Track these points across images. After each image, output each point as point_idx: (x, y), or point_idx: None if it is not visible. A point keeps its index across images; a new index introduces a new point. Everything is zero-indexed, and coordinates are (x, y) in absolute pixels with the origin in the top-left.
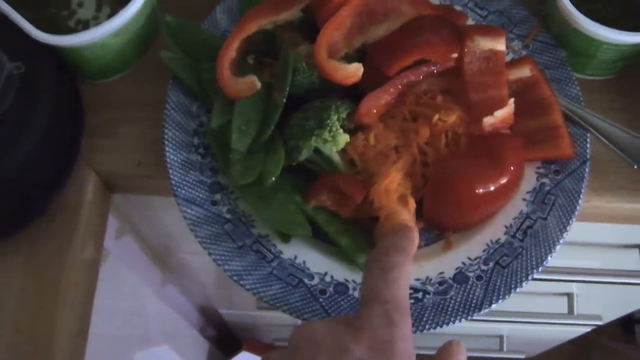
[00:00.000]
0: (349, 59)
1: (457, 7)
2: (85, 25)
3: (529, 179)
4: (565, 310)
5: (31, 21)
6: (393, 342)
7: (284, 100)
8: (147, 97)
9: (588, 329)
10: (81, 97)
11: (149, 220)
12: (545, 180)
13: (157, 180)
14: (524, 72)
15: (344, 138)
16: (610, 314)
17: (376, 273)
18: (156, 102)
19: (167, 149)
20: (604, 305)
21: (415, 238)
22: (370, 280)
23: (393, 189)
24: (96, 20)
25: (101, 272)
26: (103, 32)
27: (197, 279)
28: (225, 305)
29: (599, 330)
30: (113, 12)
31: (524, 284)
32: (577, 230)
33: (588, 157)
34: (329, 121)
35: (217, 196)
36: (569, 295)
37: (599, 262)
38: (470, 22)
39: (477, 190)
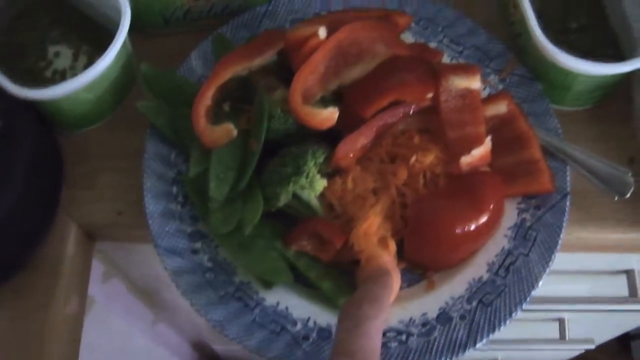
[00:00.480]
0: (324, 101)
1: (432, 44)
2: (62, 76)
3: (510, 215)
4: (557, 335)
5: (8, 73)
6: None
7: (261, 147)
8: (126, 146)
9: (581, 351)
10: (60, 148)
11: (135, 262)
12: (526, 215)
13: (138, 229)
14: (501, 108)
15: (321, 183)
16: (603, 336)
17: (345, 326)
18: (135, 151)
19: (146, 199)
20: (596, 328)
21: (396, 282)
22: (340, 333)
23: (372, 232)
24: (73, 70)
25: (87, 319)
26: (77, 85)
27: (188, 317)
28: (218, 340)
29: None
30: (90, 61)
31: (507, 322)
32: (564, 258)
33: (568, 190)
34: (305, 167)
35: (198, 244)
36: (560, 321)
37: (587, 288)
38: (445, 58)
39: (457, 231)
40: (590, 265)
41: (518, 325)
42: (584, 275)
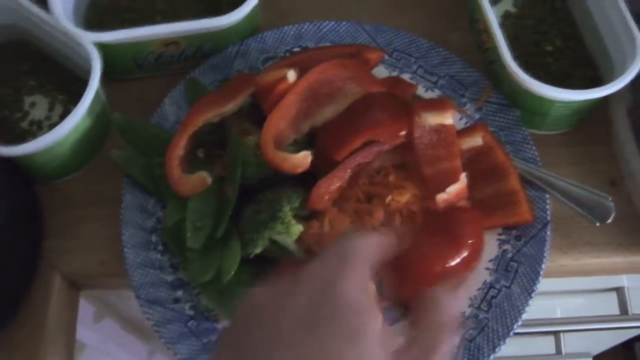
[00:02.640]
0: (298, 143)
1: (407, 75)
2: (39, 126)
3: (491, 247)
4: (552, 350)
5: None
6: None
7: (236, 194)
8: (105, 194)
9: None
10: (39, 199)
11: (126, 299)
12: (507, 246)
13: (121, 277)
14: (477, 140)
15: (297, 228)
16: (599, 347)
17: None
18: (114, 198)
19: (125, 250)
20: (592, 342)
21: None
22: None
23: None
24: (49, 120)
25: None
26: (51, 140)
27: None
28: None
29: None
30: (66, 110)
31: (491, 357)
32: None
33: (548, 219)
34: (281, 213)
35: (179, 293)
36: (556, 335)
37: (578, 305)
38: (420, 89)
39: (436, 268)
40: (580, 285)
41: (513, 342)
42: (575, 294)
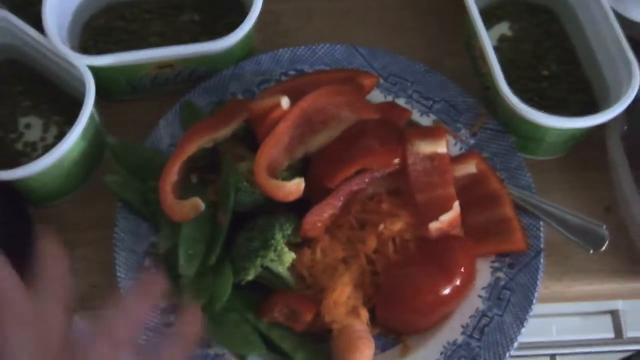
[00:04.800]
0: (291, 168)
1: (402, 100)
2: (33, 147)
3: (484, 274)
4: None
5: None
6: None
7: (229, 220)
8: (98, 217)
9: None
10: (33, 222)
11: None
12: (500, 274)
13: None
14: (470, 168)
15: (289, 256)
16: None
17: None
18: (107, 221)
19: (119, 274)
20: None
21: (370, 349)
22: None
23: (343, 302)
24: (44, 142)
25: None
26: (44, 165)
27: None
28: None
29: None
30: (60, 131)
31: None
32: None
33: (542, 247)
34: (273, 241)
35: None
36: (551, 357)
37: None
38: (415, 114)
39: (428, 297)
40: (575, 308)
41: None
42: (571, 316)
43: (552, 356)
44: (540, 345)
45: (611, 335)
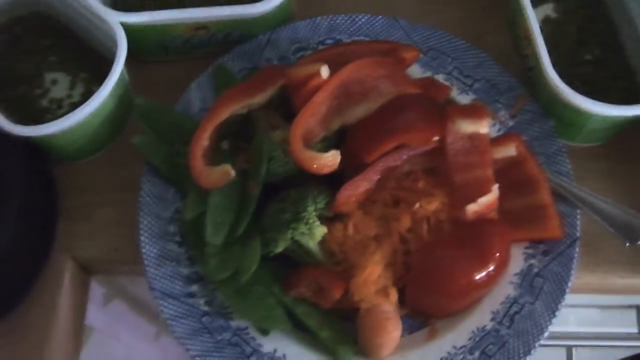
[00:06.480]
0: (326, 140)
1: (441, 76)
2: (59, 105)
3: (517, 261)
4: None
5: (2, 101)
6: None
7: (259, 190)
8: (122, 179)
9: None
10: (55, 181)
11: (135, 280)
12: (534, 261)
13: (134, 265)
14: (510, 150)
15: (320, 230)
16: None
17: None
18: (131, 184)
19: (142, 239)
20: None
21: (397, 330)
22: None
23: (373, 281)
24: (70, 99)
25: (85, 351)
26: (72, 122)
27: None
28: None
29: None
30: (87, 90)
31: None
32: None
33: (578, 236)
34: (305, 213)
35: (194, 287)
36: (568, 349)
37: (595, 319)
38: (455, 91)
39: (461, 281)
40: (599, 300)
41: None
42: (592, 307)
43: (569, 348)
44: (559, 336)
45: (634, 329)
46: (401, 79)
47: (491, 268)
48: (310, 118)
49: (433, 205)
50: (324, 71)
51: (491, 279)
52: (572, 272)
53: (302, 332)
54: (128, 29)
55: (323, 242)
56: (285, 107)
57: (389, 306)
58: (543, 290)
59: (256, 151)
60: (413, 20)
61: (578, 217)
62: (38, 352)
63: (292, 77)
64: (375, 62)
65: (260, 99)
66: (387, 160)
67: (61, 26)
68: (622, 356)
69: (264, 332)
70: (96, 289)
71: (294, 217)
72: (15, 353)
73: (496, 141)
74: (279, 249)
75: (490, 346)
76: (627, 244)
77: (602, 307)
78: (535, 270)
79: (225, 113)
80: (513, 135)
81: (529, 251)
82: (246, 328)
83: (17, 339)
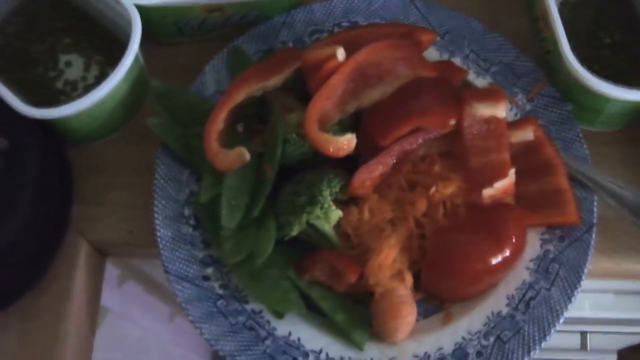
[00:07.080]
0: (342, 123)
1: (457, 59)
2: (73, 87)
3: (533, 246)
4: (578, 345)
5: (17, 84)
6: None
7: (275, 173)
8: (137, 161)
9: None
10: (69, 163)
11: (149, 262)
12: (550, 247)
13: (149, 248)
14: (527, 134)
15: (336, 214)
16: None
17: None
18: (147, 166)
19: (157, 222)
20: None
21: (412, 315)
22: None
23: (388, 265)
24: (84, 81)
25: (100, 332)
26: (87, 104)
27: None
28: None
29: None
30: (102, 72)
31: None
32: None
33: (594, 221)
34: (320, 197)
35: (209, 270)
36: (582, 333)
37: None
38: (471, 75)
39: (477, 266)
40: (614, 285)
41: None
42: (607, 292)
43: (584, 333)
44: (574, 321)
45: None
46: (417, 62)
47: (507, 253)
48: (326, 101)
49: (449, 189)
50: (340, 54)
51: (507, 264)
52: (589, 258)
53: (316, 315)
54: (142, 10)
55: (338, 226)
56: (301, 89)
57: (404, 290)
58: (559, 276)
59: (271, 134)
60: (430, 3)
61: (595, 202)
62: (54, 333)
63: (308, 59)
64: (392, 44)
65: (276, 81)
66: (403, 144)
67: (75, 8)
68: (637, 342)
69: (279, 315)
70: (111, 270)
71: (310, 200)
72: (31, 335)
73: (513, 125)
74: (294, 232)
75: (506, 332)
76: None
77: (617, 293)
78: (551, 256)
79: (240, 95)
80: (530, 119)
81: (545, 237)
82: (261, 311)
83: (32, 320)
